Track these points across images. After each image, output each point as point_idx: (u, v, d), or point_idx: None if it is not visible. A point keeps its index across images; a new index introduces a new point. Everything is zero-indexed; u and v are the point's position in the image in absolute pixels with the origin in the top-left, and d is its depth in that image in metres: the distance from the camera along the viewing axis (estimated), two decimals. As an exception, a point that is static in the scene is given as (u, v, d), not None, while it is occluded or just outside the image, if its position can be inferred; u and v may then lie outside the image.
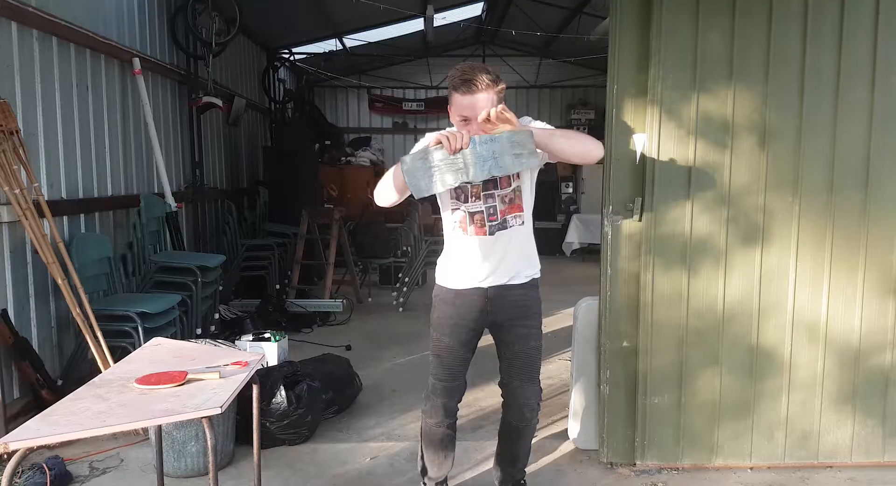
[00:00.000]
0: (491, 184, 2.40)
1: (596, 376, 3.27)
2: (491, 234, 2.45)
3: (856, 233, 3.06)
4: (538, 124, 2.38)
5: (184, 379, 2.11)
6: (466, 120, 2.29)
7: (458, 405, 2.69)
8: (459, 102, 2.29)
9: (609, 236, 3.11)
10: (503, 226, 2.46)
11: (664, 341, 3.11)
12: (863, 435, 3.18)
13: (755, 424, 3.16)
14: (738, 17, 2.96)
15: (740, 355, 3.12)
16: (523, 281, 2.57)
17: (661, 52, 2.95)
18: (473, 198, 2.43)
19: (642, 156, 3.04)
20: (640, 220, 3.06)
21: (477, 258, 2.49)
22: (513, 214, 2.47)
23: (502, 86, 2.32)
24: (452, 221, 2.50)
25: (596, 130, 11.26)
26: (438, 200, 2.54)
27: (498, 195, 2.43)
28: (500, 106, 2.23)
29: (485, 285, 2.52)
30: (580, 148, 2.36)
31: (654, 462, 3.19)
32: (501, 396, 2.70)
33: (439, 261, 2.64)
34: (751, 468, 3.19)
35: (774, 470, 3.18)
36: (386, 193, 2.36)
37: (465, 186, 2.38)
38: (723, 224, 3.05)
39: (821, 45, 2.97)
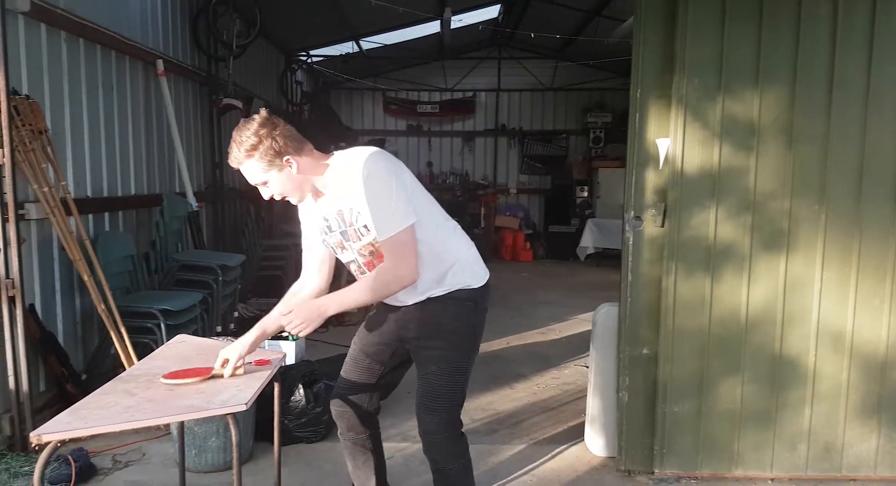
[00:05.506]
0: (347, 235, 2.23)
1: (615, 382, 3.25)
2: None
3: (884, 242, 3.00)
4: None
5: (209, 374, 2.16)
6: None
7: (358, 421, 2.47)
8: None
9: (630, 242, 3.10)
10: None
11: (685, 348, 3.09)
12: (888, 449, 3.13)
13: (777, 434, 3.13)
14: (766, 19, 2.93)
15: (763, 363, 3.09)
16: (440, 294, 2.29)
17: (687, 56, 2.94)
18: (339, 248, 2.30)
19: (665, 160, 3.03)
20: (662, 225, 3.05)
21: None
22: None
23: (265, 145, 2.07)
24: None
25: (612, 133, 11.29)
26: None
27: (355, 248, 2.24)
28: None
29: (392, 303, 2.35)
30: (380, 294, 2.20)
31: (673, 471, 3.18)
32: None
33: None
34: (771, 480, 3.16)
35: (796, 482, 3.15)
36: None
37: (327, 237, 2.30)
38: (747, 230, 3.03)
39: (850, 48, 2.92)
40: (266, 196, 2.20)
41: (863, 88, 2.94)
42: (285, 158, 2.11)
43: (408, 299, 2.29)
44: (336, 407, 2.49)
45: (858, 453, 3.14)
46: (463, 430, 2.39)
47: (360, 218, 2.17)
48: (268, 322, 2.28)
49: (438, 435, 2.32)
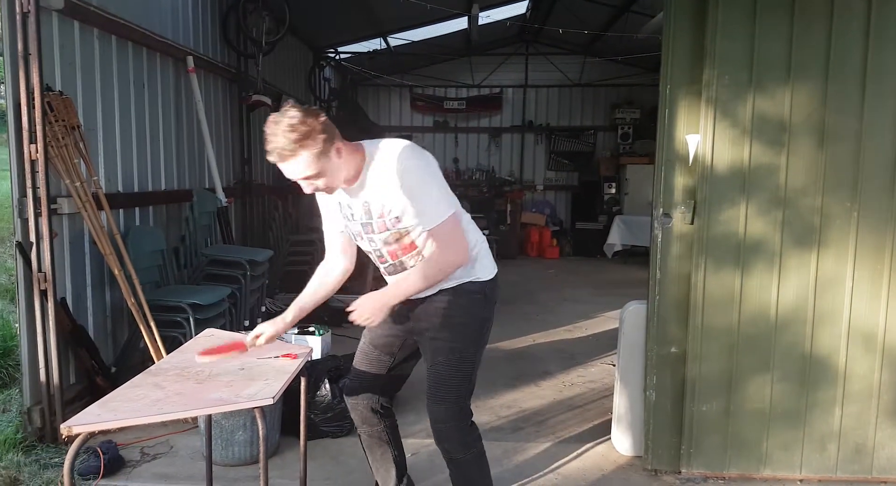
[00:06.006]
0: (369, 227, 2.25)
1: (642, 381, 3.23)
2: (390, 274, 2.34)
3: (918, 240, 2.95)
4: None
5: (244, 349, 2.24)
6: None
7: (373, 414, 2.50)
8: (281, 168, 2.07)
9: (659, 239, 3.07)
10: (402, 267, 2.30)
11: (714, 346, 3.06)
12: (920, 450, 3.08)
13: (806, 435, 3.08)
14: (798, 14, 2.88)
15: (793, 363, 3.05)
16: (451, 285, 2.31)
17: (717, 52, 2.90)
18: (359, 237, 2.31)
19: (695, 156, 2.99)
20: (691, 222, 3.02)
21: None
22: (409, 255, 2.27)
23: (317, 133, 2.01)
24: None
25: (640, 129, 11.17)
26: None
27: (378, 239, 2.26)
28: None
29: None
30: (434, 276, 2.21)
31: (700, 471, 3.14)
32: None
33: None
34: (801, 481, 3.12)
35: (825, 484, 3.11)
36: None
37: (347, 225, 2.31)
38: (778, 227, 2.98)
39: (884, 43, 2.87)
40: (310, 190, 2.15)
41: (896, 83, 2.88)
42: (336, 146, 2.09)
43: (437, 284, 2.29)
44: (349, 400, 2.53)
45: (890, 454, 3.09)
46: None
47: (391, 211, 2.18)
48: (304, 300, 2.36)
49: (447, 424, 2.34)
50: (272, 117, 2.03)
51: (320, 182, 2.11)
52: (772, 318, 3.03)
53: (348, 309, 2.22)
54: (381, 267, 2.36)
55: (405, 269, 2.29)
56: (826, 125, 2.92)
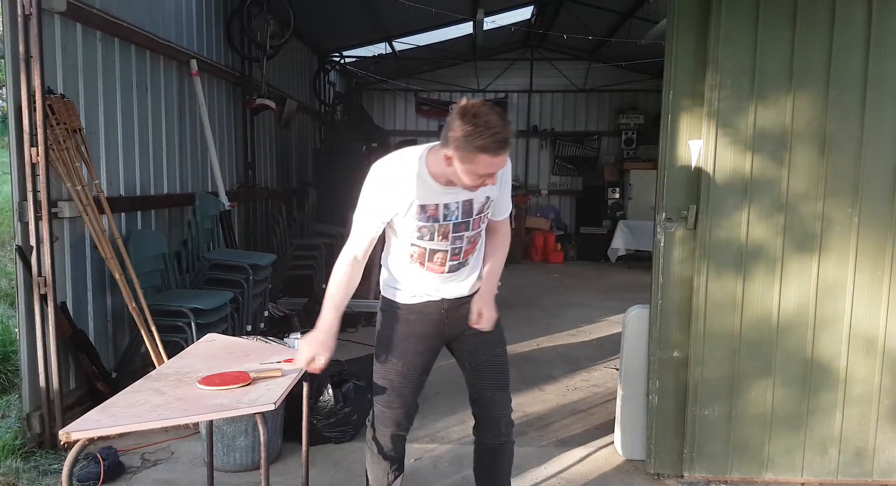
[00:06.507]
0: (463, 226, 2.23)
1: (644, 385, 3.22)
2: (450, 272, 2.29)
3: (919, 246, 2.95)
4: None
5: (249, 381, 2.09)
6: (490, 175, 2.07)
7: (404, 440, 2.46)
8: (488, 162, 2.00)
9: (662, 244, 3.07)
10: (463, 265, 2.31)
11: (716, 351, 3.05)
12: (921, 454, 3.07)
13: (808, 438, 3.08)
14: (800, 23, 2.89)
15: (794, 367, 3.04)
16: (479, 285, 2.39)
17: (720, 58, 2.91)
18: (440, 237, 2.22)
19: (698, 162, 2.99)
20: (694, 227, 3.02)
21: (430, 286, 2.32)
22: (473, 254, 2.32)
23: None
24: (409, 252, 2.27)
25: (644, 135, 11.16)
26: (391, 229, 2.29)
27: (467, 236, 2.26)
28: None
29: (439, 296, 2.33)
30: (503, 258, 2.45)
31: (703, 475, 3.14)
32: (473, 414, 2.48)
33: (384, 268, 2.40)
34: (802, 484, 3.11)
35: (827, 487, 3.10)
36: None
37: (433, 227, 2.20)
38: (779, 232, 2.98)
39: (885, 52, 2.89)
40: (491, 183, 2.11)
41: (897, 92, 2.89)
42: None
43: (465, 287, 2.35)
44: (394, 429, 2.39)
45: (890, 458, 3.09)
46: None
47: (491, 205, 2.27)
48: (338, 299, 2.23)
49: (510, 410, 2.46)
50: (483, 107, 2.02)
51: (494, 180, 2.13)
52: (773, 322, 3.02)
53: (476, 324, 2.30)
54: (443, 266, 2.26)
55: (465, 266, 2.32)
56: (827, 132, 2.93)
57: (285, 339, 4.06)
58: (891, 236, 2.96)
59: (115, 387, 3.34)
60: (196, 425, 3.36)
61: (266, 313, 5.28)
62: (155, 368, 2.54)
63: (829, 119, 2.92)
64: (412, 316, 2.34)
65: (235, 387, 2.06)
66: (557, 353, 5.39)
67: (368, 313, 6.22)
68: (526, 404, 4.10)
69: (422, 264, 2.26)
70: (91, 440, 1.82)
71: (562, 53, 11.45)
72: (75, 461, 1.76)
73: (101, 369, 3.70)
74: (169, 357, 3.41)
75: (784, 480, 3.12)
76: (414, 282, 2.32)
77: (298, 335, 4.23)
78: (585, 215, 11.61)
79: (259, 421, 1.96)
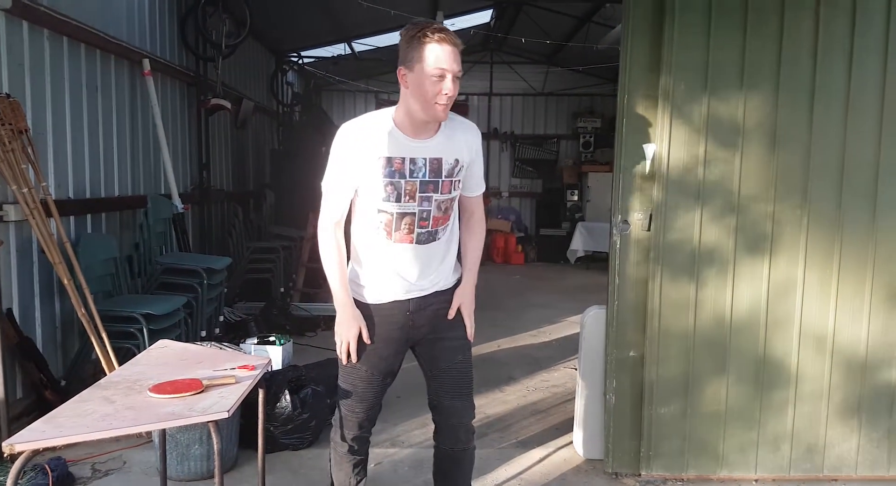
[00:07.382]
0: (431, 186, 2.16)
1: (602, 385, 3.25)
2: (418, 243, 2.20)
3: (864, 245, 3.05)
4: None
5: (201, 388, 2.04)
6: (443, 76, 2.03)
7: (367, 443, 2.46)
8: (437, 54, 2.01)
9: (618, 245, 3.10)
10: (432, 237, 2.23)
11: (671, 350, 3.10)
12: (868, 449, 3.16)
13: (761, 435, 3.14)
14: (750, 30, 2.96)
15: (748, 365, 3.10)
16: (448, 286, 2.35)
17: (673, 60, 2.95)
18: (408, 197, 2.15)
19: (652, 165, 3.03)
20: (648, 229, 3.05)
21: (398, 268, 2.23)
22: (443, 226, 2.24)
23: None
24: (377, 222, 2.19)
25: (602, 138, 11.30)
26: (359, 197, 2.22)
27: (436, 200, 2.18)
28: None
29: (406, 297, 2.27)
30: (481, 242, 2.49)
31: (660, 473, 3.17)
32: (433, 420, 2.45)
33: (351, 261, 2.32)
34: (756, 481, 3.17)
35: (779, 483, 3.17)
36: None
37: (399, 184, 2.13)
38: (731, 233, 3.04)
39: (831, 61, 2.97)
40: (454, 92, 2.08)
41: (843, 95, 2.98)
42: None
43: (438, 279, 2.31)
44: (358, 431, 2.37)
45: (840, 453, 3.17)
46: None
47: (461, 170, 2.22)
48: (344, 269, 2.25)
49: (470, 417, 2.41)
50: (434, 25, 2.06)
51: (455, 91, 2.09)
52: (727, 322, 3.08)
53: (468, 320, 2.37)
54: (411, 234, 2.19)
55: (434, 240, 2.23)
56: (777, 132, 2.99)
57: (241, 344, 4.01)
58: (838, 236, 3.03)
59: (64, 396, 3.24)
60: (149, 433, 3.28)
61: (221, 318, 5.19)
62: (105, 375, 2.47)
63: (779, 120, 2.98)
64: (377, 319, 2.29)
65: (188, 395, 2.01)
66: (518, 354, 5.42)
67: (328, 316, 6.19)
68: (487, 405, 4.11)
69: (389, 234, 2.18)
70: (37, 452, 1.76)
71: (521, 57, 11.55)
72: (20, 473, 1.70)
73: (49, 377, 3.59)
74: (120, 364, 3.32)
75: (738, 477, 3.17)
76: (380, 270, 2.24)
77: (255, 341, 4.17)
78: (545, 217, 11.72)
79: (212, 429, 1.92)
